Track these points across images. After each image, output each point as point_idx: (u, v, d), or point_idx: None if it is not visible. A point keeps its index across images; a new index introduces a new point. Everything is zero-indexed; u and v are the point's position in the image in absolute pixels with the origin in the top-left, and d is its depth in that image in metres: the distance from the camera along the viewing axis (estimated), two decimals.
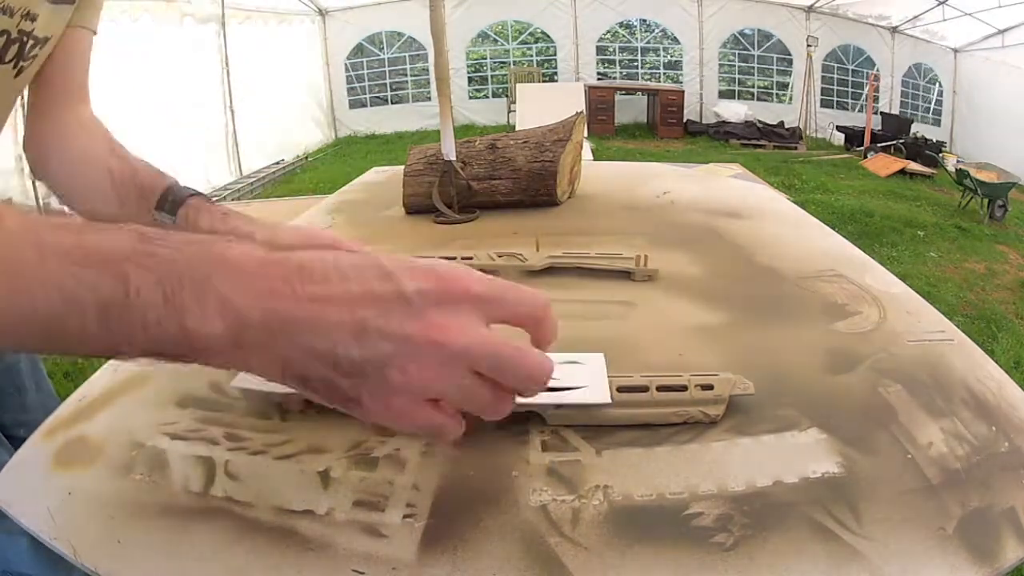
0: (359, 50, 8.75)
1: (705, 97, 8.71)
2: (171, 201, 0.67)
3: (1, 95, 0.68)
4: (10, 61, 0.65)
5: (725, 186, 1.44)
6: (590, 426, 0.57)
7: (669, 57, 8.87)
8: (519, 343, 0.33)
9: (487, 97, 8.98)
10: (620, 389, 0.58)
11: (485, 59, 8.99)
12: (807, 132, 7.95)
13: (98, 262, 0.29)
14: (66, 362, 2.48)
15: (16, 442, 0.81)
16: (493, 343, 0.32)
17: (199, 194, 0.68)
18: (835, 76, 8.37)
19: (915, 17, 7.35)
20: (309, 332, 0.30)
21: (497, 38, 8.91)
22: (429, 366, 0.31)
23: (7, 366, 0.88)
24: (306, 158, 7.49)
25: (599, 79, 8.72)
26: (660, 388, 0.58)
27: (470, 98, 8.82)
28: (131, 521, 0.49)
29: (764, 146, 7.57)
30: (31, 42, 0.66)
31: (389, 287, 0.31)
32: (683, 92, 8.18)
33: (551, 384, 0.34)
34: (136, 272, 0.29)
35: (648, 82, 8.78)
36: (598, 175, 1.44)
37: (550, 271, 0.90)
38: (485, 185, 1.22)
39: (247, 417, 0.61)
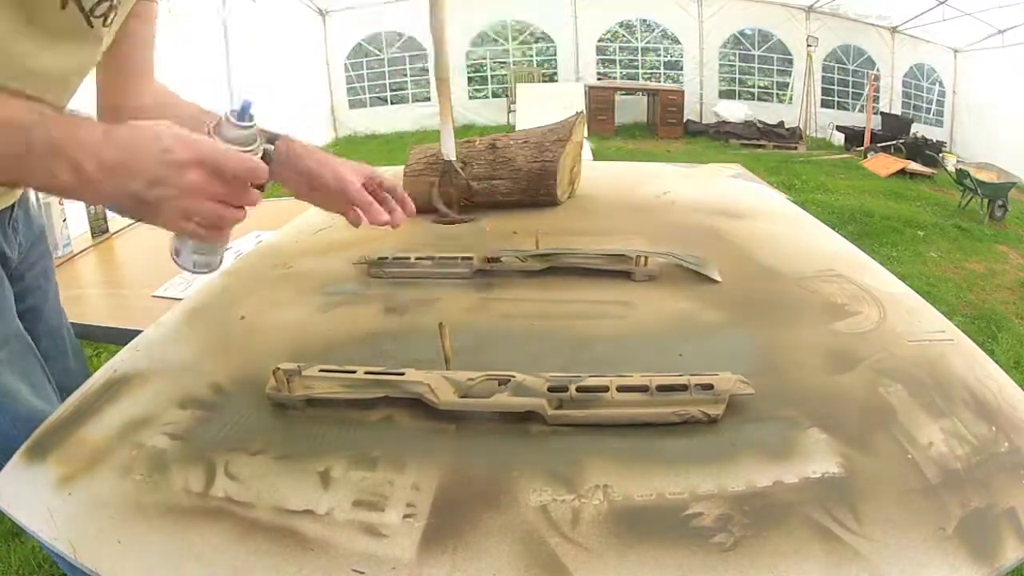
0: (359, 50, 8.73)
1: (705, 97, 8.68)
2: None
3: (90, 57, 0.72)
4: (106, 22, 0.69)
5: (725, 186, 1.43)
6: (590, 426, 0.57)
7: (669, 57, 8.85)
8: None
9: (487, 97, 8.94)
10: (620, 389, 0.58)
11: (485, 59, 8.97)
12: (807, 132, 7.92)
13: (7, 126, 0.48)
14: None
15: None
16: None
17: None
18: (835, 76, 8.35)
19: (915, 17, 7.34)
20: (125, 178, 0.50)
21: (497, 38, 8.89)
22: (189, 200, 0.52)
23: (51, 328, 0.89)
24: None
25: (599, 79, 8.70)
26: (660, 388, 0.58)
27: (470, 98, 8.79)
28: (131, 521, 0.49)
29: (764, 146, 7.55)
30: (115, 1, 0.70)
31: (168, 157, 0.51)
32: (683, 92, 8.16)
33: None
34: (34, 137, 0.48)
35: (648, 82, 8.76)
36: (598, 175, 1.44)
37: (550, 271, 0.90)
38: (485, 185, 1.22)
39: (247, 417, 0.61)
